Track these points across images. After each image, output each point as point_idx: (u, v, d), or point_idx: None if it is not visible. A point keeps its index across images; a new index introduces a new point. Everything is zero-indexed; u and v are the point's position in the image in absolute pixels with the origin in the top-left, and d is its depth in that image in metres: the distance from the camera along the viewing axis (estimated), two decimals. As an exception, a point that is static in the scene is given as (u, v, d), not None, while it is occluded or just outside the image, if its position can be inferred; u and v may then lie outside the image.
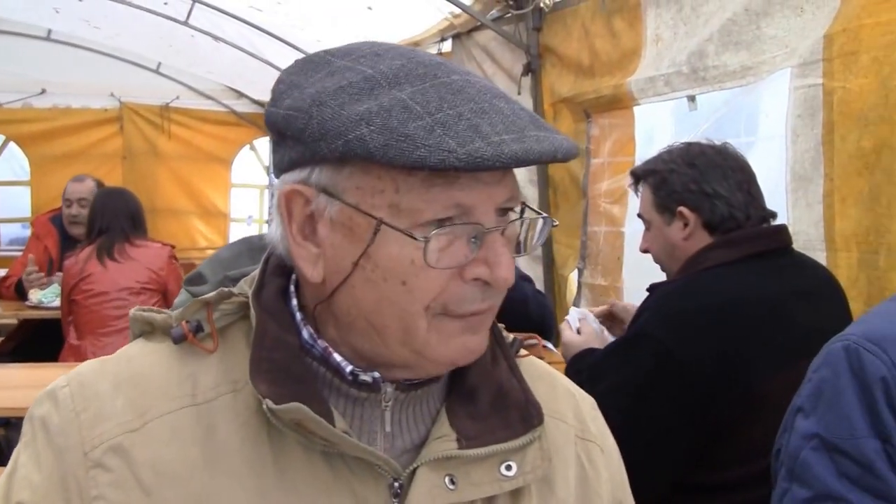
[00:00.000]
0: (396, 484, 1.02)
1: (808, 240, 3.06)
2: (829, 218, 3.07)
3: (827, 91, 3.07)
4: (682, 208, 2.27)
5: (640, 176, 2.42)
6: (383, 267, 0.96)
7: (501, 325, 1.17)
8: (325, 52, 1.02)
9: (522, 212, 1.03)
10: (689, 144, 2.37)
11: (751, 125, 3.61)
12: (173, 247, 5.11)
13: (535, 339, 3.34)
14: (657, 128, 4.07)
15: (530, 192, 5.13)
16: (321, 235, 1.00)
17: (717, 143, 2.37)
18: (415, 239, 0.93)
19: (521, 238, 1.05)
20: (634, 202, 2.44)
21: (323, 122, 0.93)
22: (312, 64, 1.01)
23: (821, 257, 2.97)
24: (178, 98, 9.23)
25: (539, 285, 4.92)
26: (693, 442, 2.04)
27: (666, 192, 2.31)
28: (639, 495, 2.03)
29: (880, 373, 1.33)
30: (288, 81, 1.01)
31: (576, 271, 4.86)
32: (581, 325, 2.79)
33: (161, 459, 0.98)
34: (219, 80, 9.00)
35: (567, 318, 2.90)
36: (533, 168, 5.02)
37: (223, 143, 9.51)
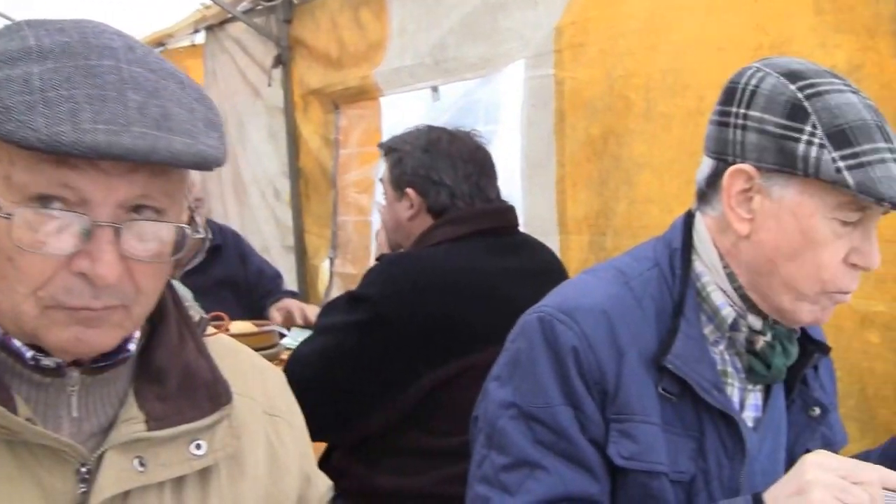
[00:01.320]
0: (84, 469, 1.01)
1: (542, 224, 3.18)
2: (562, 202, 3.20)
3: (558, 81, 3.21)
4: (409, 190, 2.34)
5: (385, 149, 2.47)
6: None
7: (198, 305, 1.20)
8: (28, 21, 0.99)
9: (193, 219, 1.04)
10: (431, 129, 2.43)
11: (490, 115, 3.72)
12: None
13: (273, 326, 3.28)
14: (404, 118, 4.10)
15: (282, 184, 5.11)
16: None
17: (465, 129, 2.44)
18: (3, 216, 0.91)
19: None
20: (381, 191, 2.49)
21: None
22: (8, 30, 0.98)
23: (555, 240, 3.09)
24: None
25: (292, 275, 4.95)
26: (399, 401, 2.11)
27: (399, 172, 2.37)
28: (325, 432, 2.05)
29: (571, 343, 1.37)
30: None
31: (327, 261, 4.89)
32: None
33: None
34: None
35: None
36: (284, 160, 5.02)
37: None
